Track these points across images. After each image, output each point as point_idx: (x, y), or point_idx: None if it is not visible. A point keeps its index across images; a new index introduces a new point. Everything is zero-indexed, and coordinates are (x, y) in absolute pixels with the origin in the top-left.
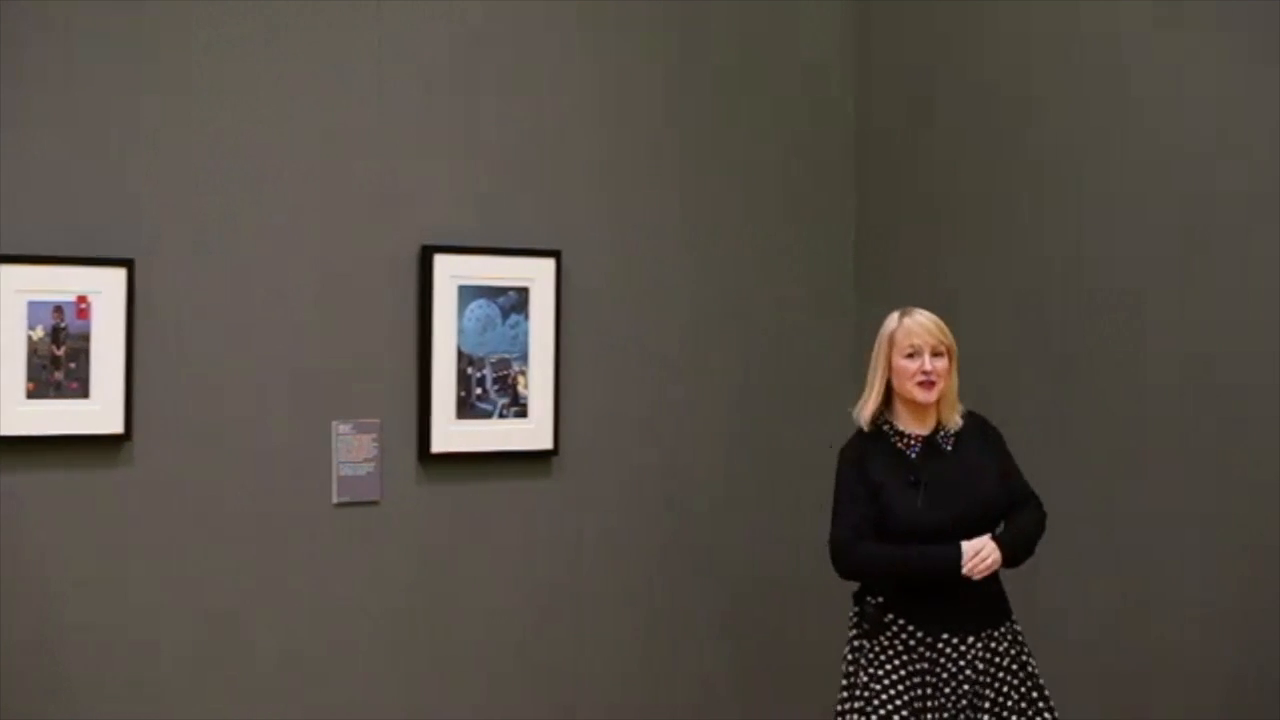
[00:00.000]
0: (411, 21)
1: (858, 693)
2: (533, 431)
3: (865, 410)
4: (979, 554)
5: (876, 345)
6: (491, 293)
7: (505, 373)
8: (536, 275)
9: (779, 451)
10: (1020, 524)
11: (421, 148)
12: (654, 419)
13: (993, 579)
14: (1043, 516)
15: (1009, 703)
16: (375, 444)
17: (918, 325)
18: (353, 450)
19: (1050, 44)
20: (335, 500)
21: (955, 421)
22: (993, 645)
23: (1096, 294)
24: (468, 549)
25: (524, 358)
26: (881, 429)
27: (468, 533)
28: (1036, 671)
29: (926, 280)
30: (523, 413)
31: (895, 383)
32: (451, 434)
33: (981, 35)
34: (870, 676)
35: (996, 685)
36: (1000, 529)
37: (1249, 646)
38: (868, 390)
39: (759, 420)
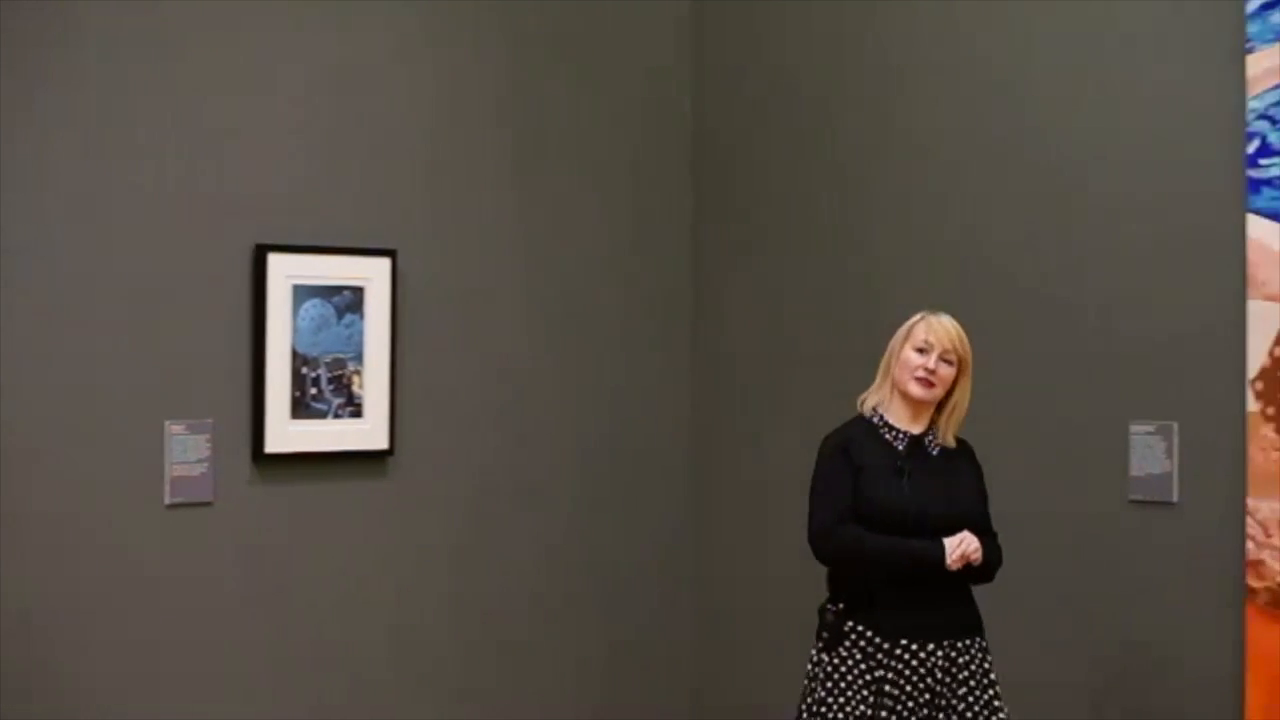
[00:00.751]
0: (244, 21)
1: (816, 709)
2: (368, 432)
3: (870, 398)
4: (963, 542)
5: (894, 339)
6: (326, 292)
7: (340, 372)
8: (372, 274)
9: (619, 450)
10: (989, 546)
11: (257, 147)
12: (490, 418)
13: (963, 591)
14: (998, 547)
15: (969, 714)
16: (208, 444)
17: (939, 324)
18: (186, 450)
19: (887, 45)
20: (168, 501)
21: (950, 439)
22: (954, 655)
23: (932, 294)
24: (302, 550)
25: (359, 357)
26: (872, 420)
27: (303, 533)
28: (999, 691)
29: (764, 279)
30: (358, 413)
31: (896, 373)
32: (286, 434)
33: (811, 36)
34: (827, 691)
35: (958, 696)
36: None
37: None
38: (879, 380)
39: (597, 419)
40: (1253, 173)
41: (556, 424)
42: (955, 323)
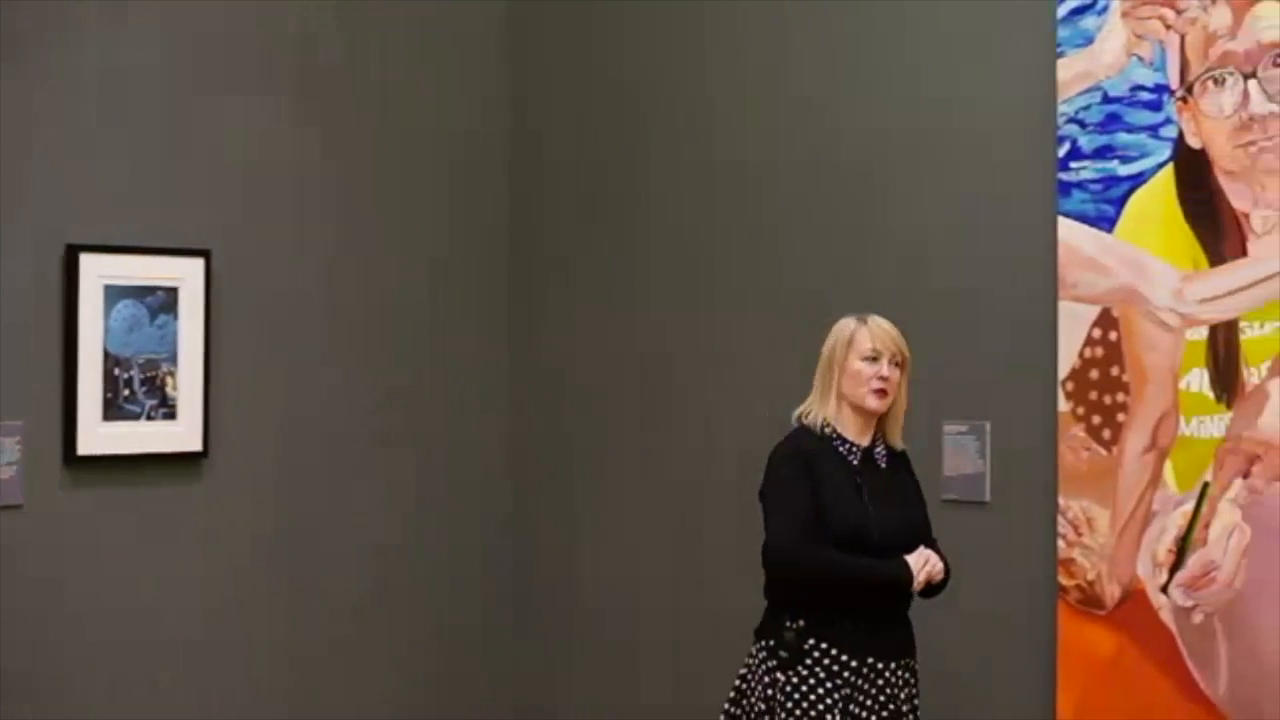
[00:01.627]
0: (58, 21)
1: None
2: (182, 434)
3: (820, 410)
4: (928, 561)
5: (830, 347)
6: (139, 292)
7: (153, 374)
8: (186, 275)
9: (435, 452)
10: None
11: (69, 146)
12: (306, 421)
13: (907, 608)
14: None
15: None
16: (18, 447)
17: (881, 329)
18: None
19: (705, 58)
20: None
21: (898, 441)
22: (905, 675)
23: (750, 293)
24: (115, 553)
25: (173, 359)
26: (824, 432)
27: (115, 536)
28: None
29: (582, 286)
30: (171, 414)
31: (846, 387)
32: (98, 436)
33: (622, 38)
34: (789, 713)
35: (903, 714)
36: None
37: None
38: (820, 391)
39: (415, 420)
40: (1063, 176)
41: (371, 426)
42: (889, 323)
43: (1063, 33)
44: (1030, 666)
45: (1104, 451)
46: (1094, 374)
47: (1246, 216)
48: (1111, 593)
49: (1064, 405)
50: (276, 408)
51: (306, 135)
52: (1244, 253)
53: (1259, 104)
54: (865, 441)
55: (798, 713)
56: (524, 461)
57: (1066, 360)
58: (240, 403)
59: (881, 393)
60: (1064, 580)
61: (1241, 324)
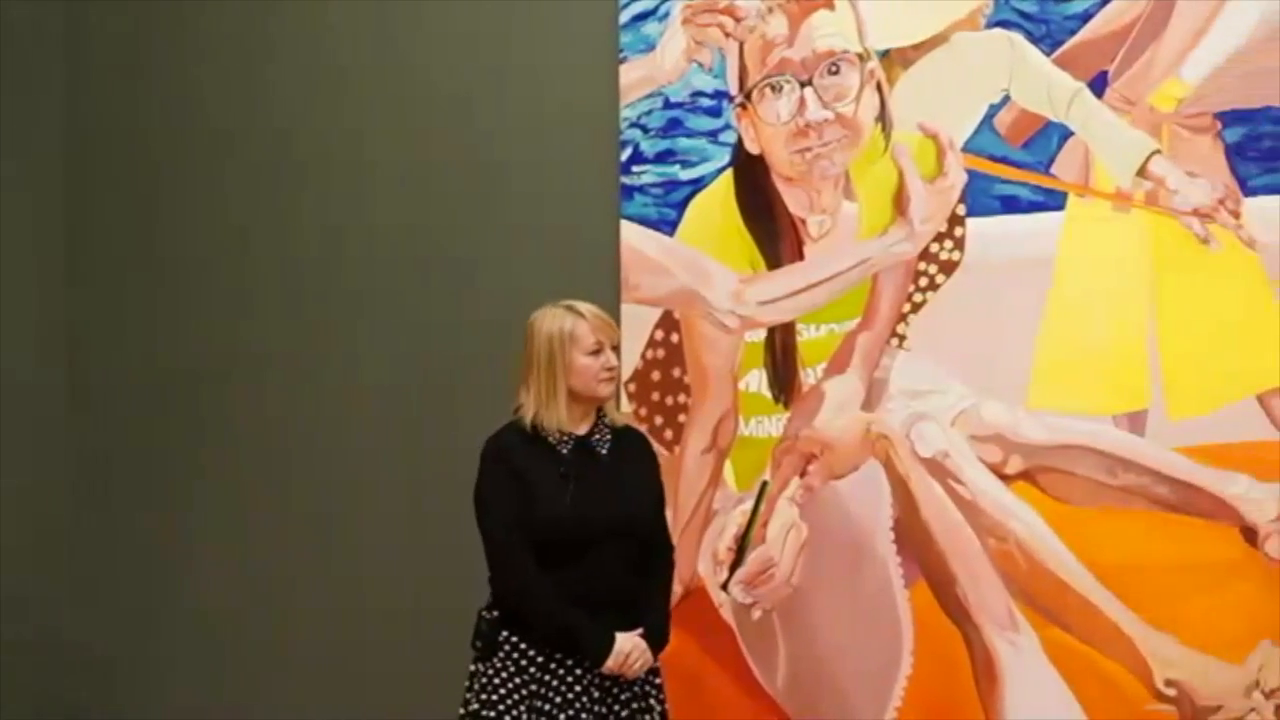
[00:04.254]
0: None
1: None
2: None
3: (551, 416)
4: (628, 659)
5: (545, 343)
6: None
7: None
8: None
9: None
10: (659, 605)
11: None
12: None
13: (631, 615)
14: (672, 572)
15: None
16: None
17: (599, 320)
18: None
19: (292, 55)
20: None
21: (617, 418)
22: (608, 685)
23: (332, 295)
24: None
25: None
26: (534, 425)
27: None
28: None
29: (143, 291)
30: None
31: (575, 382)
32: None
33: (182, 43)
34: (482, 704)
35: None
36: (648, 613)
37: None
38: (544, 392)
39: None
40: (626, 179)
41: None
42: (599, 308)
43: (625, 38)
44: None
45: (666, 452)
46: (656, 375)
47: (803, 222)
48: (674, 591)
49: (627, 406)
50: None
51: None
52: (800, 256)
53: (815, 111)
54: (582, 430)
55: (476, 705)
56: (84, 473)
57: (629, 362)
58: None
59: (612, 380)
60: None
61: (798, 326)
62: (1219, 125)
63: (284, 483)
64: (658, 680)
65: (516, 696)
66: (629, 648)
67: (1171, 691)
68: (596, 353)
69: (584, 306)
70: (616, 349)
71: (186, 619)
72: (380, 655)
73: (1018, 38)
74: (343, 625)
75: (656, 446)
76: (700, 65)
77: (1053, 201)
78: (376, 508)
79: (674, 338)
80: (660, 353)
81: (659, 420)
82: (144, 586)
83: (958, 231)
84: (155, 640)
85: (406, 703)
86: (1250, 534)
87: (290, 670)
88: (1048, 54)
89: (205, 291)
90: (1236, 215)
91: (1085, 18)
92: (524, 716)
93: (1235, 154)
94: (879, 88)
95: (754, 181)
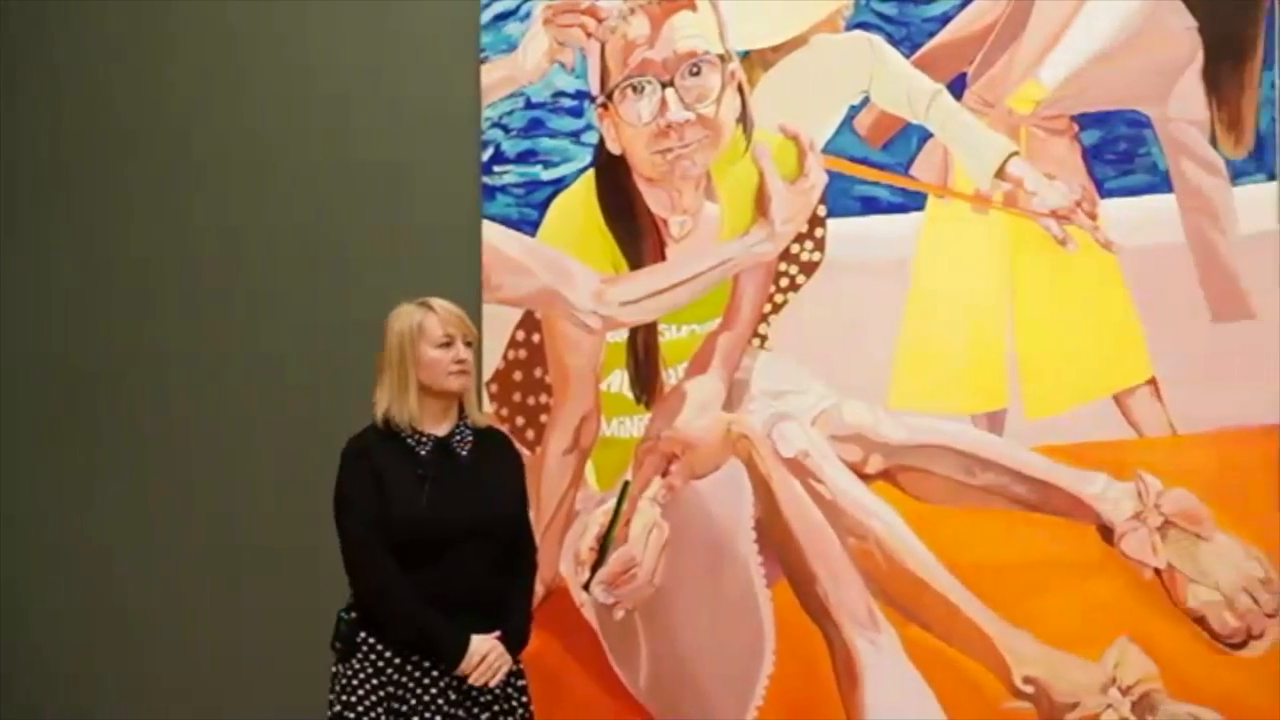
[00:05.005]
0: None
1: None
2: None
3: (402, 411)
4: (484, 661)
5: (397, 339)
6: None
7: None
8: None
9: None
10: (520, 606)
11: None
12: None
13: (493, 619)
14: (534, 573)
15: None
16: None
17: (448, 314)
18: None
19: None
20: None
21: (479, 418)
22: (467, 688)
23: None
24: None
25: None
26: (393, 426)
27: None
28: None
29: (33, 274)
30: None
31: (425, 376)
32: None
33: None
34: (344, 705)
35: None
36: (511, 614)
37: None
38: (398, 389)
39: None
40: (488, 179)
41: None
42: (451, 304)
43: (486, 38)
44: None
45: (527, 452)
46: (518, 375)
47: (665, 222)
48: (535, 591)
49: (489, 406)
50: None
51: None
52: (662, 257)
53: (676, 112)
54: (444, 429)
55: (339, 706)
56: None
57: (491, 361)
58: None
59: (463, 373)
60: None
61: (660, 326)
62: (1076, 127)
63: (186, 483)
64: (521, 682)
65: (375, 698)
66: (485, 649)
67: (1029, 689)
68: (446, 345)
69: (436, 301)
70: (470, 344)
71: (89, 617)
72: (258, 655)
73: (878, 40)
74: (222, 624)
75: (518, 446)
76: (562, 65)
77: (912, 202)
78: (262, 507)
79: (536, 338)
80: (522, 353)
81: (520, 420)
82: (43, 585)
83: (818, 232)
84: (52, 639)
85: (286, 704)
86: (1107, 532)
87: (191, 669)
88: (907, 56)
89: (104, 291)
90: (1093, 217)
91: (945, 20)
92: (382, 718)
93: (1092, 156)
94: (740, 89)
95: (616, 182)
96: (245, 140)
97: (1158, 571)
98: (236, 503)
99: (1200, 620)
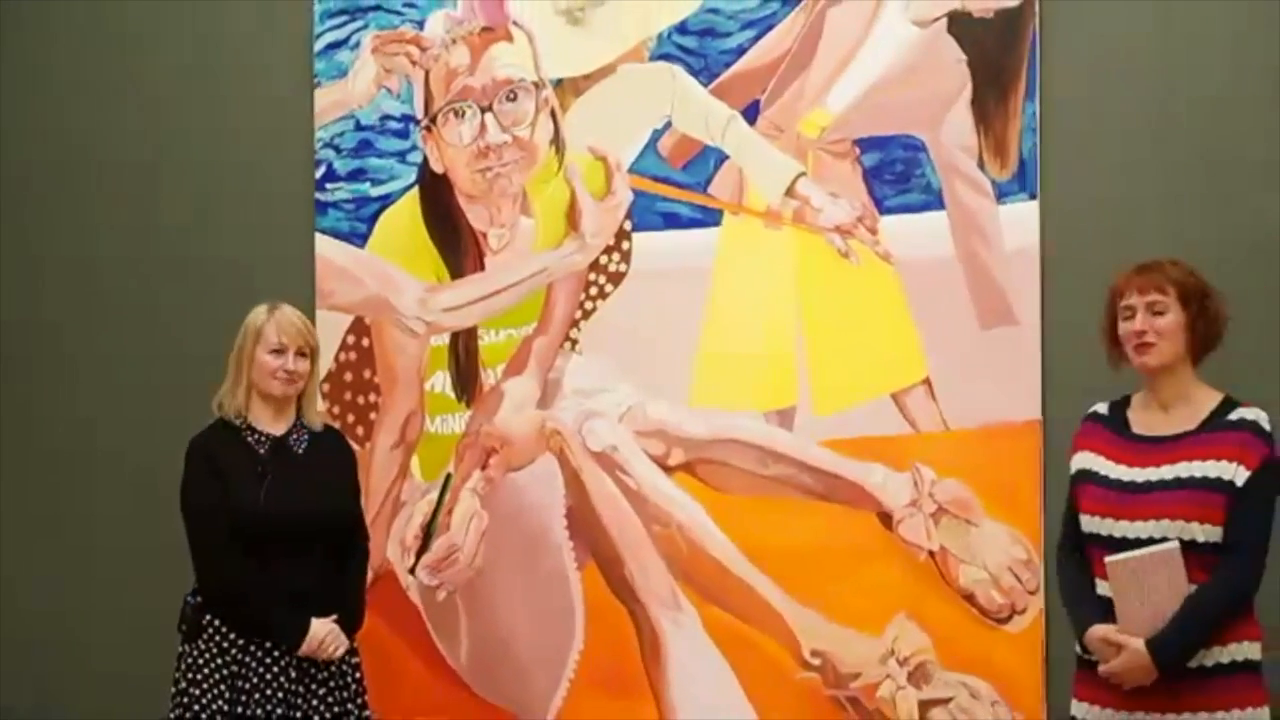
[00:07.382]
0: None
1: (181, 699)
2: None
3: (230, 402)
4: (322, 644)
5: (242, 336)
6: None
7: None
8: None
9: None
10: (355, 592)
11: None
12: None
13: (339, 604)
14: (367, 561)
15: None
16: None
17: (288, 323)
18: None
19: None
20: None
21: (315, 422)
22: (306, 666)
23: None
24: None
25: None
26: (235, 423)
27: None
28: (362, 704)
29: None
30: None
31: (256, 378)
32: None
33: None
34: (189, 682)
35: (312, 707)
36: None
37: None
38: (232, 383)
39: None
40: (320, 196)
41: None
42: (299, 313)
43: (319, 65)
44: None
45: (358, 447)
46: (349, 376)
47: (485, 235)
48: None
49: (322, 405)
50: None
51: None
52: (482, 267)
53: (495, 134)
54: (280, 430)
55: (184, 684)
56: None
57: (324, 364)
58: None
59: (288, 381)
60: None
61: (480, 331)
62: (858, 151)
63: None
64: (355, 660)
65: (218, 676)
66: (323, 633)
67: (817, 661)
68: (277, 353)
69: (283, 311)
70: (305, 355)
71: None
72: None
73: (679, 70)
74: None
75: (349, 442)
76: (389, 91)
77: (710, 218)
78: (120, 506)
79: (365, 342)
80: (353, 355)
81: (351, 418)
82: None
83: (624, 245)
84: None
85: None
86: (886, 519)
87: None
88: (706, 85)
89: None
90: (874, 232)
91: (740, 52)
92: (225, 695)
93: (872, 176)
94: (553, 113)
95: (439, 198)
96: (112, 155)
97: (932, 554)
98: (94, 502)
99: (970, 598)
